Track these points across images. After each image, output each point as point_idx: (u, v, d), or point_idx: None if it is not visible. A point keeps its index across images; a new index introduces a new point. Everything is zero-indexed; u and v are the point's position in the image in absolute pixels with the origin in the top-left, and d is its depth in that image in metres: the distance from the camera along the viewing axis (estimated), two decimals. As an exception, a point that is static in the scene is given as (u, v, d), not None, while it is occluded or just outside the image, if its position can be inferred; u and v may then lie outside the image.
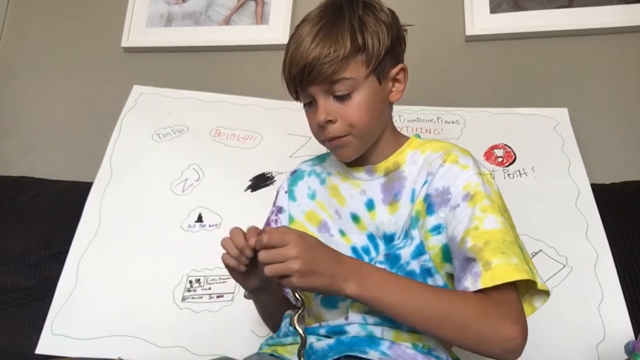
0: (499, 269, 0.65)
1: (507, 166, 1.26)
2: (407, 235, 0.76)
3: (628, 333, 0.99)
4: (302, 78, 0.74)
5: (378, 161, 0.81)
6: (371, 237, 0.79)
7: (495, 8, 1.51)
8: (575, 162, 1.24)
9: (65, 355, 1.08)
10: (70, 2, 1.83)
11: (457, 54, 1.53)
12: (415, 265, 0.74)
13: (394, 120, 1.39)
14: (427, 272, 0.74)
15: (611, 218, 1.14)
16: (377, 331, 0.73)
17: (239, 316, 1.08)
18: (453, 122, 1.37)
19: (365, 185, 0.81)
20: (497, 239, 0.68)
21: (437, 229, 0.74)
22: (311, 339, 0.75)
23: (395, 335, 0.73)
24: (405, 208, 0.77)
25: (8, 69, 1.82)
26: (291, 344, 0.77)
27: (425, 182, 0.76)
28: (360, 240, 0.79)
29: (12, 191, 1.45)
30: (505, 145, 1.30)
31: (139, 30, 1.72)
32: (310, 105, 0.78)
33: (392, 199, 0.79)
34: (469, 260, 0.68)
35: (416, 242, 0.74)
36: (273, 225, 0.89)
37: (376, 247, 0.79)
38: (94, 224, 1.25)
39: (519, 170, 1.25)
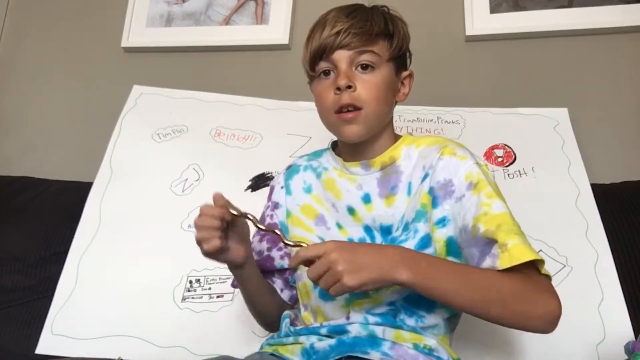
0: (515, 249, 0.67)
1: (507, 166, 1.26)
2: (407, 227, 0.77)
3: (628, 333, 0.99)
4: (333, 41, 0.76)
5: (374, 156, 0.82)
6: (367, 229, 0.80)
7: (495, 8, 1.51)
8: (575, 162, 1.24)
9: (65, 355, 1.08)
10: (70, 2, 1.83)
11: (457, 54, 1.53)
12: None
13: (393, 120, 1.41)
14: None
15: (611, 218, 1.14)
16: (379, 331, 0.73)
17: (239, 316, 1.08)
18: (453, 122, 1.37)
19: (362, 180, 0.82)
20: (508, 222, 0.71)
21: (442, 221, 0.75)
22: (312, 339, 0.75)
23: (397, 335, 0.73)
24: (401, 201, 0.79)
25: (8, 69, 1.82)
26: (292, 343, 0.77)
27: (426, 175, 0.78)
28: (357, 232, 0.80)
29: (12, 191, 1.45)
30: (505, 145, 1.30)
31: (139, 30, 1.71)
32: (326, 76, 0.79)
33: (388, 192, 0.80)
34: (488, 244, 0.70)
35: (420, 234, 0.76)
36: (268, 220, 0.90)
37: (372, 238, 0.80)
38: (94, 224, 1.25)
39: (519, 170, 1.25)
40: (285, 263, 0.88)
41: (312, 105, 1.36)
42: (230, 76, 1.62)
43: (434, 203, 0.76)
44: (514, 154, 1.28)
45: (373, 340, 0.72)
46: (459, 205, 0.74)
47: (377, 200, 0.80)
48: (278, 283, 0.90)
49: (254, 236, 0.91)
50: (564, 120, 1.33)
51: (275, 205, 0.90)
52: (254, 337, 1.06)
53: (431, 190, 0.76)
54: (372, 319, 0.74)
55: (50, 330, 1.12)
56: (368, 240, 0.80)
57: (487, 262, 0.69)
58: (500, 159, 1.28)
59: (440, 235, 0.75)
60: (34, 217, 1.36)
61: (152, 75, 1.63)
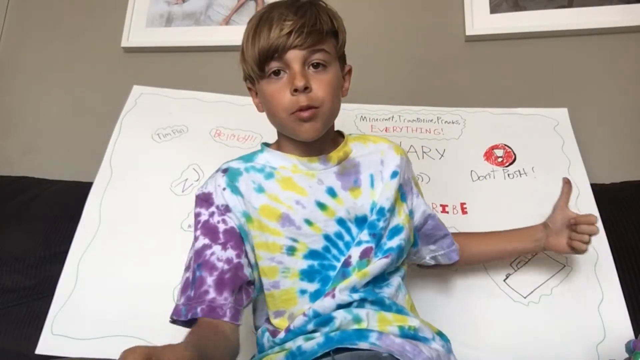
0: None
1: (507, 166, 1.26)
2: (383, 212, 0.81)
3: (628, 333, 0.99)
4: (286, 42, 0.75)
5: (328, 151, 0.84)
6: (341, 222, 0.80)
7: (495, 8, 1.51)
8: (575, 162, 1.24)
9: (65, 355, 1.07)
10: (70, 2, 1.83)
11: (457, 54, 1.53)
12: (393, 243, 0.81)
13: (393, 120, 1.41)
14: (401, 251, 0.82)
15: (611, 218, 1.14)
16: (362, 314, 0.74)
17: (239, 316, 1.08)
18: (453, 122, 1.37)
19: (320, 174, 0.82)
20: None
21: (411, 213, 0.88)
22: (299, 341, 0.74)
23: (380, 318, 0.75)
24: (367, 192, 0.83)
25: (8, 69, 1.82)
26: (278, 352, 0.76)
27: (396, 173, 0.85)
28: (331, 227, 0.80)
29: (12, 191, 1.45)
30: (505, 145, 1.30)
31: (139, 30, 1.72)
32: (277, 76, 0.77)
33: (352, 184, 0.83)
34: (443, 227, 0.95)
35: (395, 223, 0.83)
36: (222, 226, 0.77)
37: (348, 230, 0.80)
38: (94, 224, 1.25)
39: (519, 170, 1.25)
40: (249, 272, 0.77)
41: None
42: (231, 76, 1.61)
43: (402, 198, 0.87)
44: (514, 154, 1.28)
45: (360, 333, 0.73)
46: (418, 200, 0.91)
47: (343, 194, 0.82)
48: (246, 301, 0.77)
49: (208, 247, 0.77)
50: (564, 120, 1.33)
51: (226, 209, 0.78)
52: (254, 337, 1.06)
53: (400, 187, 0.86)
54: (356, 295, 0.75)
55: (50, 330, 1.12)
56: (345, 233, 0.80)
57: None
58: (500, 159, 1.28)
59: (410, 226, 0.87)
60: (34, 217, 1.36)
61: (152, 75, 1.63)
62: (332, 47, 0.79)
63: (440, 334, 0.81)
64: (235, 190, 0.79)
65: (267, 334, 0.80)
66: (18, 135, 1.73)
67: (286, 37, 0.74)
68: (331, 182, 0.82)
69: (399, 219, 0.84)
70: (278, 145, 0.86)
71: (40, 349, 1.09)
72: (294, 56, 0.75)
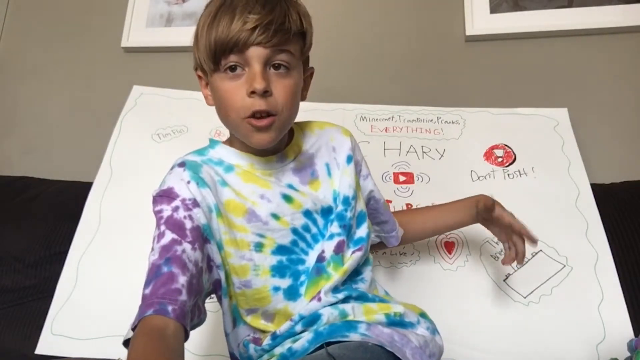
0: None
1: (507, 166, 1.26)
2: (348, 201, 0.80)
3: (628, 333, 0.99)
4: (249, 37, 0.67)
5: (282, 147, 0.79)
6: (307, 214, 0.77)
7: (495, 8, 1.51)
8: (575, 162, 1.24)
9: (65, 355, 1.08)
10: (70, 2, 1.84)
11: (457, 54, 1.53)
12: (362, 232, 0.81)
13: (393, 120, 1.41)
14: (368, 236, 0.82)
15: (611, 218, 1.14)
16: (348, 309, 0.74)
17: (239, 316, 1.08)
18: (453, 122, 1.37)
19: (277, 173, 0.78)
20: None
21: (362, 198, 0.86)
22: (287, 344, 0.72)
23: (366, 310, 0.75)
24: (326, 183, 0.81)
25: (8, 69, 1.82)
26: (269, 359, 0.74)
27: (350, 157, 0.83)
28: (298, 220, 0.76)
29: (12, 191, 1.45)
30: (505, 145, 1.30)
31: (139, 30, 1.72)
32: (233, 72, 0.70)
33: (309, 177, 0.80)
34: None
35: (359, 209, 0.82)
36: (188, 223, 0.69)
37: (315, 222, 0.78)
38: (94, 224, 1.25)
39: (519, 170, 1.25)
40: (206, 279, 0.72)
41: (312, 105, 1.37)
42: (230, 76, 1.62)
43: (357, 183, 0.84)
44: (514, 154, 1.28)
45: (349, 324, 0.71)
46: (367, 182, 0.88)
47: (303, 188, 0.78)
48: (196, 319, 0.71)
49: (178, 242, 0.69)
50: (564, 121, 1.33)
51: (194, 203, 0.70)
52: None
53: (356, 170, 0.84)
54: (340, 295, 0.74)
55: (50, 330, 1.12)
56: (312, 225, 0.78)
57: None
58: (500, 159, 1.28)
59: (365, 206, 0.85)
60: (34, 217, 1.36)
61: (152, 75, 1.63)
62: (298, 48, 0.73)
63: (423, 315, 0.81)
64: (202, 183, 0.72)
65: (250, 345, 0.75)
66: (18, 135, 1.73)
67: (249, 32, 0.67)
68: (289, 179, 0.78)
69: (361, 204, 0.83)
70: (231, 142, 0.80)
71: (40, 349, 1.10)
72: (256, 54, 0.68)
